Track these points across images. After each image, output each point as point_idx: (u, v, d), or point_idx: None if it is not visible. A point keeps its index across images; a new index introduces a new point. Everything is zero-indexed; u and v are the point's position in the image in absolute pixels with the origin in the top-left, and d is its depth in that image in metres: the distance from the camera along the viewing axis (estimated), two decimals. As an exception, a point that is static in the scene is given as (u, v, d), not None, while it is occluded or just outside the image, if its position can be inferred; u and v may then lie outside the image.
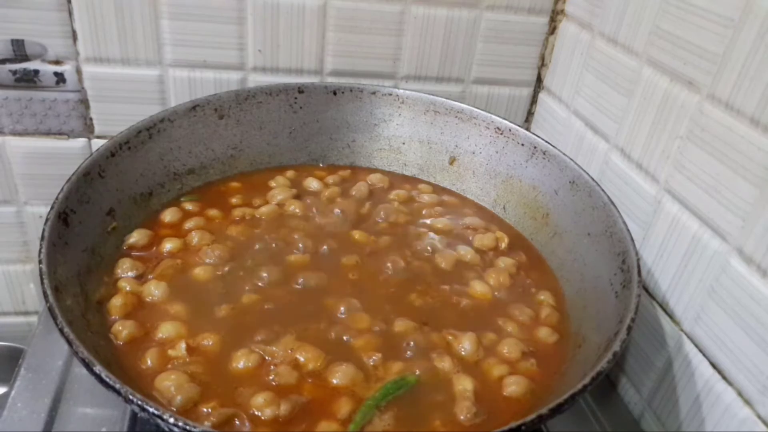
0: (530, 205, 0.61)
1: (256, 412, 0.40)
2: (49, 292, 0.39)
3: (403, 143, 0.69)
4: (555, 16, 0.72)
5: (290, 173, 0.66)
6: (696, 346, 0.49)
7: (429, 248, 0.57)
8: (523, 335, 0.49)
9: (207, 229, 0.55)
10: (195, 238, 0.54)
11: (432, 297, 0.51)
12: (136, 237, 0.53)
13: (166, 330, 0.45)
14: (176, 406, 0.39)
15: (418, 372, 0.44)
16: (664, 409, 0.52)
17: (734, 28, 0.45)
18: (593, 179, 0.55)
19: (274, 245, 0.55)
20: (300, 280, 0.51)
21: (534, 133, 0.62)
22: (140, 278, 0.50)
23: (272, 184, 0.63)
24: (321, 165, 0.69)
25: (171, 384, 0.40)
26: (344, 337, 0.46)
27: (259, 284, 0.50)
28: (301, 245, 0.55)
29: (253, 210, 0.59)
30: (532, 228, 0.61)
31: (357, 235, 0.57)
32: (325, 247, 0.55)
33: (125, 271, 0.50)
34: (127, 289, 0.48)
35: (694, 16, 0.49)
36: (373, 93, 0.67)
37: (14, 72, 0.63)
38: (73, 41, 0.63)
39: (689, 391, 0.49)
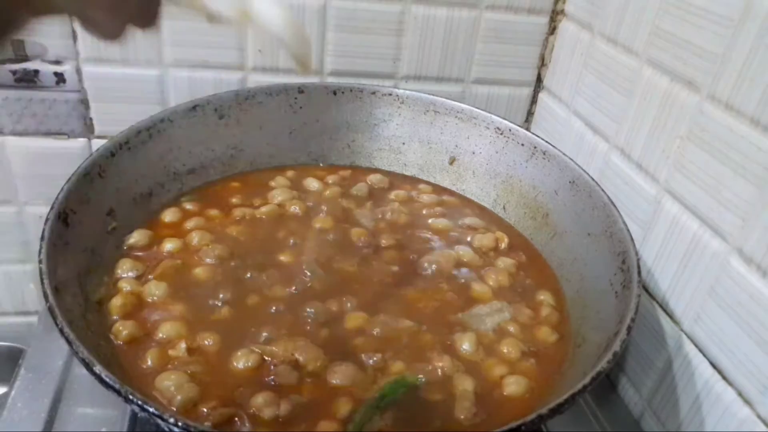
0: (530, 205, 0.61)
1: (256, 412, 0.40)
2: (49, 292, 0.39)
3: (403, 143, 0.69)
4: (555, 16, 0.72)
5: (290, 173, 0.66)
6: (696, 346, 0.49)
7: (429, 248, 0.57)
8: (523, 335, 0.49)
9: (207, 229, 0.55)
10: (195, 238, 0.54)
11: (432, 297, 0.51)
12: (136, 237, 0.53)
13: (166, 330, 0.45)
14: (176, 406, 0.39)
15: (418, 372, 0.44)
16: (664, 409, 0.52)
17: (734, 28, 0.45)
18: (593, 179, 0.55)
19: (274, 245, 0.55)
20: (300, 280, 0.51)
21: (534, 133, 0.62)
22: (140, 278, 0.50)
23: (272, 184, 0.63)
24: (321, 165, 0.69)
25: (171, 384, 0.40)
26: (344, 337, 0.46)
27: (259, 284, 0.50)
28: (300, 245, 0.55)
29: (254, 210, 0.59)
30: (532, 228, 0.61)
31: (357, 235, 0.57)
32: (324, 247, 0.55)
33: (125, 271, 0.50)
34: (127, 289, 0.48)
35: (694, 16, 0.49)
36: (373, 93, 0.67)
37: (14, 72, 0.63)
38: (73, 41, 0.63)
39: (689, 391, 0.49)
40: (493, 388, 0.44)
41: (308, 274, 0.51)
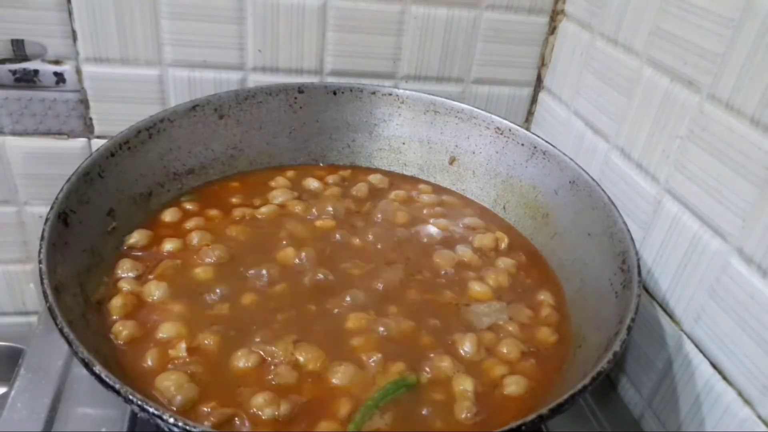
0: (530, 205, 0.61)
1: (256, 412, 0.40)
2: (49, 292, 0.39)
3: (403, 143, 0.69)
4: (555, 16, 0.72)
5: (290, 173, 0.66)
6: (696, 346, 0.49)
7: (429, 249, 0.57)
8: (523, 335, 0.49)
9: (207, 229, 0.55)
10: (195, 238, 0.54)
11: (432, 297, 0.51)
12: (136, 237, 0.53)
13: (166, 330, 0.45)
14: (176, 406, 0.39)
15: (418, 372, 0.44)
16: (664, 409, 0.52)
17: (734, 28, 0.45)
18: (593, 179, 0.55)
19: (274, 245, 0.55)
20: (300, 280, 0.51)
21: (534, 133, 0.62)
22: (140, 278, 0.50)
23: (272, 184, 0.63)
24: (321, 165, 0.69)
25: (171, 384, 0.40)
26: (344, 337, 0.46)
27: (259, 284, 0.50)
28: (300, 245, 0.55)
29: (254, 210, 0.59)
30: (532, 228, 0.61)
31: (357, 235, 0.57)
32: (324, 247, 0.55)
33: (125, 271, 0.50)
34: (127, 289, 0.48)
35: (694, 16, 0.49)
36: (373, 93, 0.67)
37: (14, 72, 0.63)
38: (72, 41, 0.63)
39: (689, 391, 0.49)
40: (493, 388, 0.44)
41: (308, 274, 0.51)
